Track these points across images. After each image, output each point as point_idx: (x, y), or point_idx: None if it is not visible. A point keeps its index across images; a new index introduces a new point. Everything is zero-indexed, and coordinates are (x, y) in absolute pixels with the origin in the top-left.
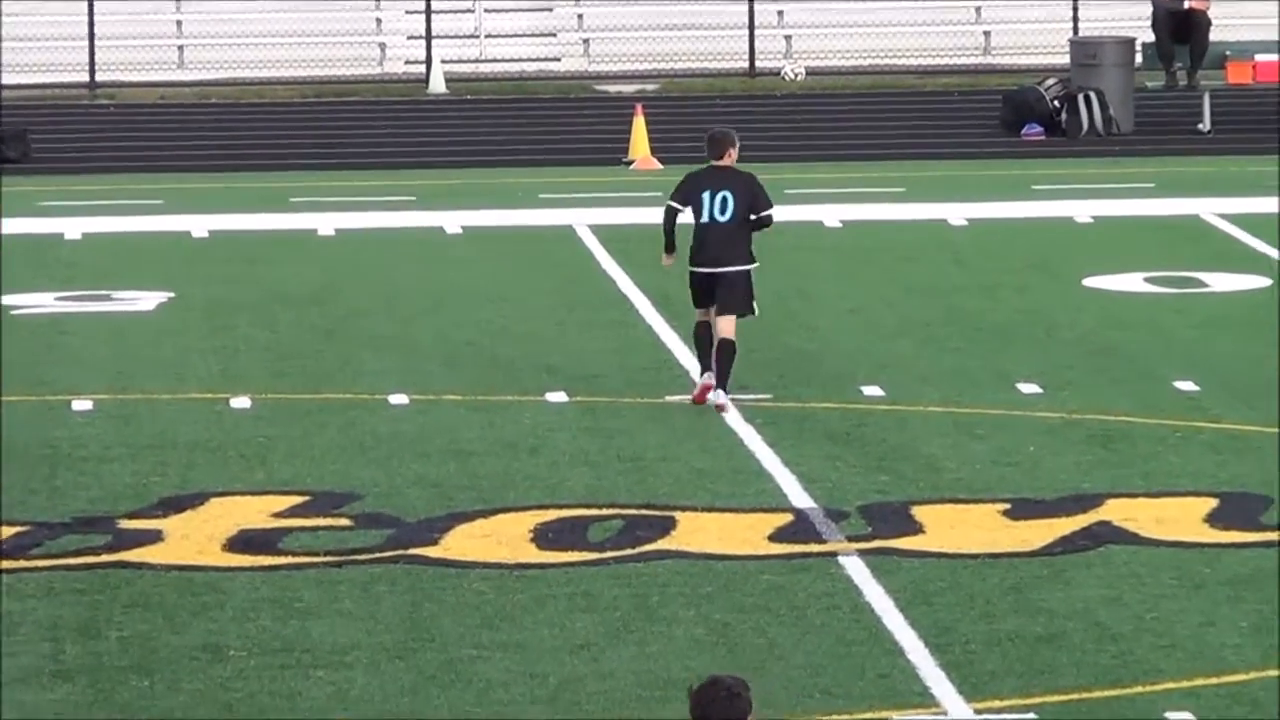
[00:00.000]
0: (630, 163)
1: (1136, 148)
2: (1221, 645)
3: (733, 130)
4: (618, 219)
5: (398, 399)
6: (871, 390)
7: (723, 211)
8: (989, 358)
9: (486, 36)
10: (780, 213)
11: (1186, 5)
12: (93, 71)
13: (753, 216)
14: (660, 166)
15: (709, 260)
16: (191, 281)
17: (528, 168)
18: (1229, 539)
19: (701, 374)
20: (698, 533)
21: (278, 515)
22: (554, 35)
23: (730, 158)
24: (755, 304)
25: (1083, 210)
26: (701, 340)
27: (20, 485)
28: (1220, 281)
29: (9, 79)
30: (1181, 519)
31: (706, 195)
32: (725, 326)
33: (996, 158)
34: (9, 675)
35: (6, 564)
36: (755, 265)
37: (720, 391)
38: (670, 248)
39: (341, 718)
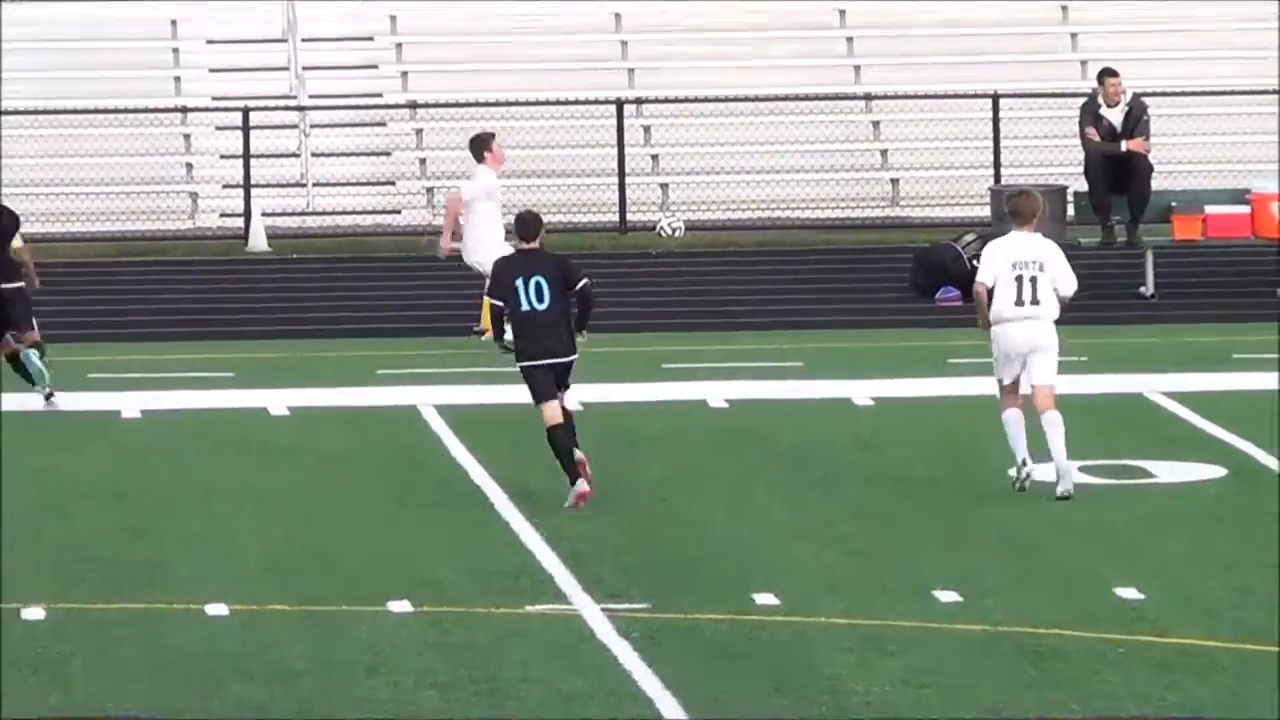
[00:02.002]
0: (482, 332)
1: (1069, 315)
2: None
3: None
4: (469, 398)
5: (215, 609)
6: (765, 599)
7: (540, 299)
8: (901, 561)
9: (315, 185)
10: (658, 391)
11: (1125, 148)
12: None
13: (572, 295)
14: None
15: (544, 351)
16: None
17: (364, 339)
18: None
19: (572, 484)
20: None
21: None
22: (392, 184)
23: (539, 240)
24: None
25: None
26: (560, 447)
27: None
28: (1167, 471)
29: None
30: None
31: (520, 283)
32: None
33: (907, 327)
34: None
35: None
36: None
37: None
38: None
39: None
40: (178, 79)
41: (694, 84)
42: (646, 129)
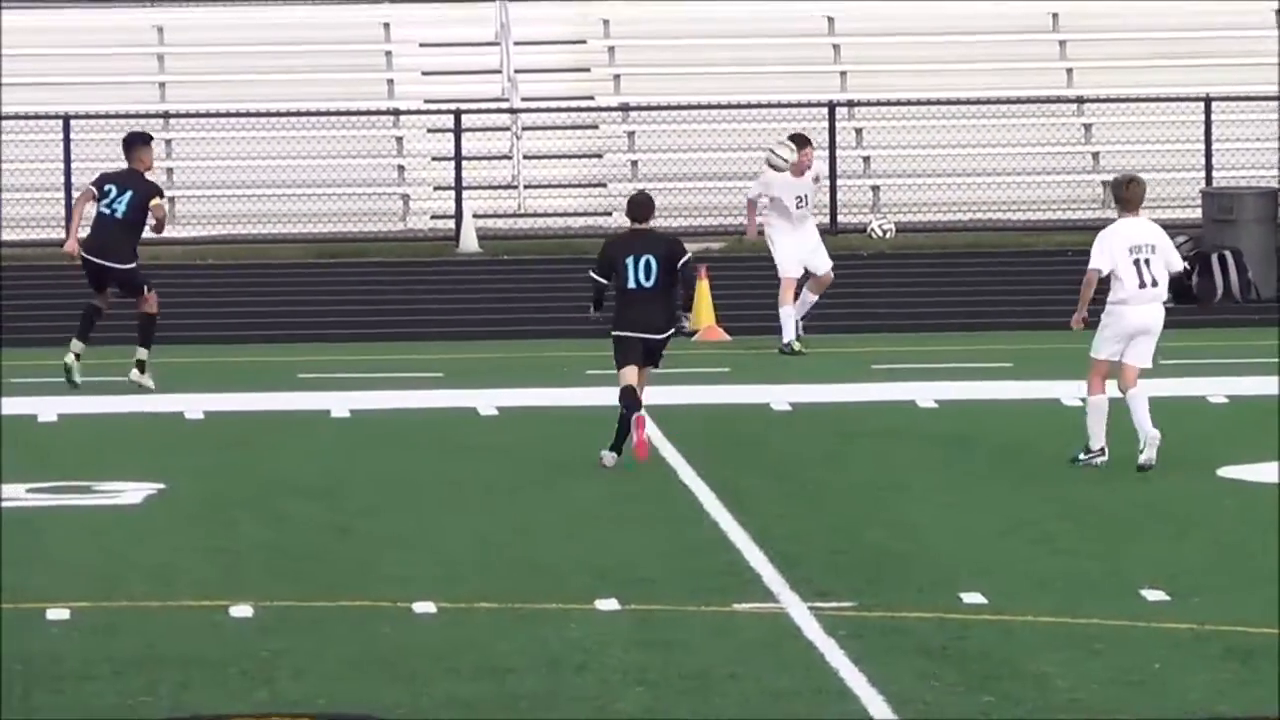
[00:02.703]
0: (693, 333)
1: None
2: None
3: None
4: (677, 399)
5: (423, 607)
6: (972, 597)
7: (647, 277)
8: (1109, 560)
9: (526, 187)
10: (867, 391)
11: None
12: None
13: (679, 266)
14: (728, 338)
15: (644, 325)
16: (184, 471)
17: (574, 339)
18: None
19: (612, 449)
20: None
21: None
22: (604, 186)
23: (650, 221)
24: None
25: (1217, 389)
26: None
27: None
28: None
29: None
30: None
31: (630, 261)
32: (640, 378)
33: None
34: None
35: None
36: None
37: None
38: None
39: None
40: (390, 82)
41: (906, 86)
42: (858, 131)
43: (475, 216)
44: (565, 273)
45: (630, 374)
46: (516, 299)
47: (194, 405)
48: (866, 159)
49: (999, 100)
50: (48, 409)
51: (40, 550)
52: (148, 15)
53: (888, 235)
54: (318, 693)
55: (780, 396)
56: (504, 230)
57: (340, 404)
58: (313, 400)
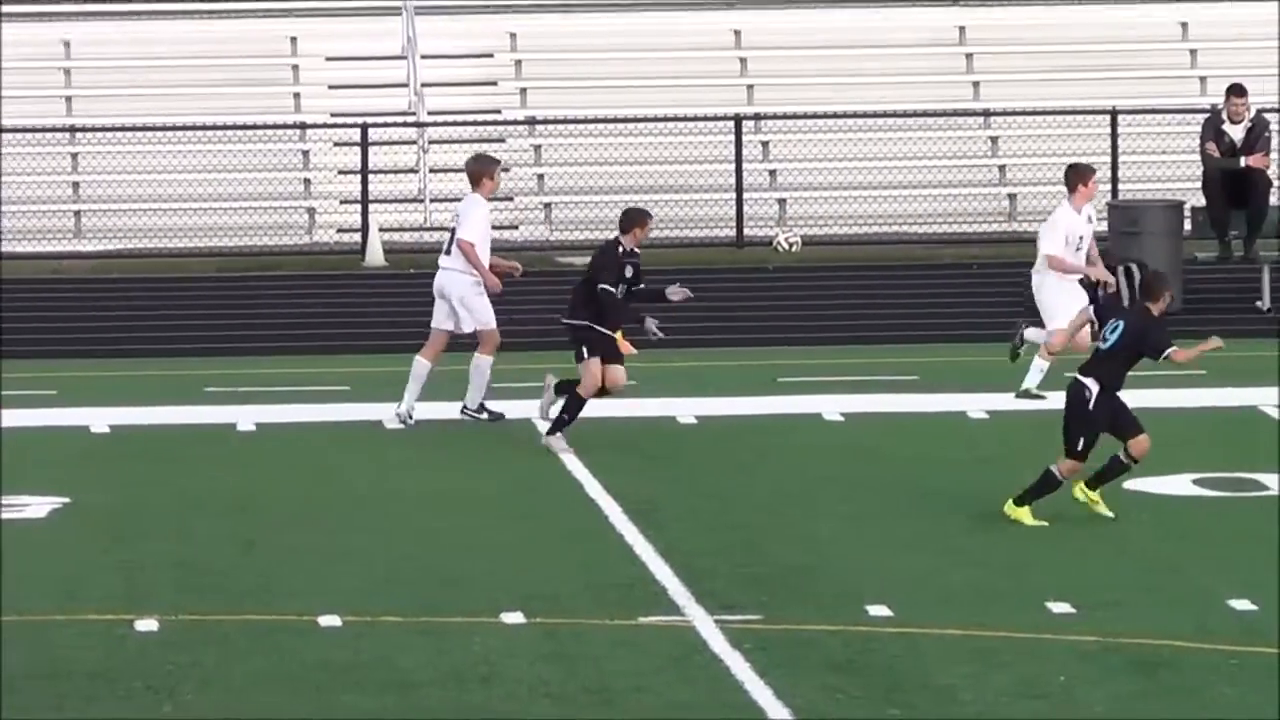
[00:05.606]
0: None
1: (1185, 329)
2: None
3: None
4: (584, 412)
5: (328, 620)
6: (878, 610)
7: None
8: (1015, 573)
9: (433, 201)
10: (773, 404)
11: (1244, 164)
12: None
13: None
14: (634, 350)
15: None
16: (90, 485)
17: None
18: None
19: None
20: None
21: None
22: (510, 200)
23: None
24: None
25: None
26: None
27: None
28: None
29: None
30: None
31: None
32: None
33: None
34: None
35: None
36: None
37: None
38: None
39: None
40: (297, 95)
41: (812, 100)
42: (765, 144)
43: (381, 230)
44: None
45: None
46: (424, 313)
47: (100, 419)
48: (772, 172)
49: (906, 113)
50: None
51: None
52: (54, 29)
53: (794, 249)
54: (223, 707)
55: (687, 410)
56: (411, 244)
57: (246, 418)
58: (219, 414)
